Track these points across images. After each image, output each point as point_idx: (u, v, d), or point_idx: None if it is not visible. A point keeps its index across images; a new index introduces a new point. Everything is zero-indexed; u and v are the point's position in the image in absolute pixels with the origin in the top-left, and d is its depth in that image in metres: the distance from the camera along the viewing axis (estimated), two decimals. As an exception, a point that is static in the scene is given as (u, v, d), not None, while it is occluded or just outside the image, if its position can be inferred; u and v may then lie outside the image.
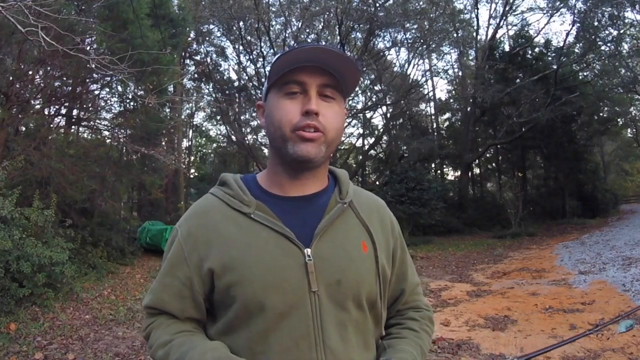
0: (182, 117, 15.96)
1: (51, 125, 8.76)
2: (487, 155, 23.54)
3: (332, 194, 0.84)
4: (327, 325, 0.73)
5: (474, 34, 19.66)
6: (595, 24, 15.56)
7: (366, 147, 23.32)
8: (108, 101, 10.39)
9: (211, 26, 16.62)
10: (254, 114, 17.94)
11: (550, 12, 17.40)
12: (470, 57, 21.66)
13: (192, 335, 0.78)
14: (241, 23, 15.03)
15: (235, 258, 0.75)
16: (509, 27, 20.63)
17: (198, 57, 18.48)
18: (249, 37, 16.05)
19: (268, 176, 0.84)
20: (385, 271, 0.82)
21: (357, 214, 0.83)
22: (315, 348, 0.72)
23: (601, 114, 21.06)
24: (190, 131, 22.19)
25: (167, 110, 11.69)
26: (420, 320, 0.91)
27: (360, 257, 0.78)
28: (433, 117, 25.16)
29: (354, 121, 22.44)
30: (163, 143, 11.38)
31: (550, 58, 18.26)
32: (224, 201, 0.81)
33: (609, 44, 15.77)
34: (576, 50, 17.09)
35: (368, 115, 22.65)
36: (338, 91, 0.79)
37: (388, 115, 21.43)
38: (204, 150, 25.15)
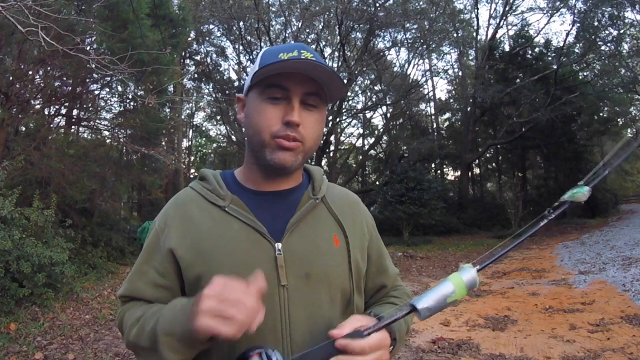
0: (182, 117, 15.93)
1: (51, 125, 8.75)
2: (487, 155, 23.55)
3: (306, 190, 0.84)
4: (295, 319, 0.72)
5: (474, 34, 19.68)
6: (595, 24, 15.56)
7: (366, 147, 23.36)
8: (108, 101, 10.39)
9: (211, 26, 16.61)
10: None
11: (550, 12, 17.42)
12: (470, 57, 21.69)
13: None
14: (241, 23, 15.03)
15: (206, 248, 0.75)
16: (509, 27, 20.67)
17: (198, 57, 18.50)
18: (249, 37, 16.05)
19: (244, 171, 0.85)
20: (358, 265, 0.81)
21: (329, 209, 0.83)
22: (282, 342, 0.71)
23: (601, 114, 21.05)
24: (190, 131, 22.20)
25: (167, 110, 11.67)
26: (399, 291, 0.92)
27: (331, 250, 0.78)
28: (433, 117, 25.17)
29: (354, 121, 22.48)
30: (163, 143, 11.36)
31: (550, 58, 18.24)
32: (202, 194, 0.82)
33: (609, 44, 15.77)
34: (576, 50, 17.08)
35: (368, 115, 22.69)
36: (321, 99, 0.78)
37: (388, 115, 21.44)
38: (204, 150, 25.17)
